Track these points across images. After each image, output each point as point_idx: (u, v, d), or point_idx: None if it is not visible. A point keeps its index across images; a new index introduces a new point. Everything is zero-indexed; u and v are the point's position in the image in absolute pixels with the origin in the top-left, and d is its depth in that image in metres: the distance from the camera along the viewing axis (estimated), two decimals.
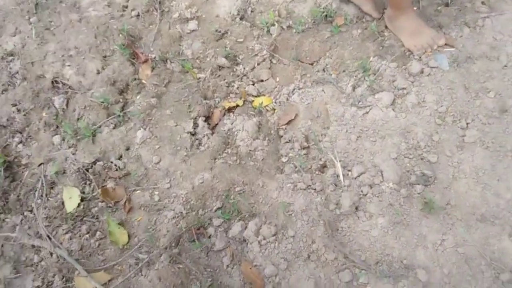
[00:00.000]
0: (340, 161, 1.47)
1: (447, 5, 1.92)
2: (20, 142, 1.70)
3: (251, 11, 1.93)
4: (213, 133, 1.56)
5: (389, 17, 1.73)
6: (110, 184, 1.53)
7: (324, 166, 1.46)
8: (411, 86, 1.67)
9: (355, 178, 1.42)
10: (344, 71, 1.76)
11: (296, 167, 1.43)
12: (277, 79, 1.78)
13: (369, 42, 1.83)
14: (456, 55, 1.74)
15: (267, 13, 1.88)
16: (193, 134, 1.54)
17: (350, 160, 1.48)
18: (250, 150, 1.49)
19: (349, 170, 1.45)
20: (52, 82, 1.76)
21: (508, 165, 1.43)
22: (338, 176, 1.41)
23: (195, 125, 1.56)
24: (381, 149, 1.49)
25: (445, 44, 1.78)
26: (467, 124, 1.54)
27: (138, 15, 1.88)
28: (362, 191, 1.41)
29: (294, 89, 1.72)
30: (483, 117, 1.55)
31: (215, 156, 1.46)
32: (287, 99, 1.71)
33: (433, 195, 1.37)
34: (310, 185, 1.43)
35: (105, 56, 1.82)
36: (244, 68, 1.79)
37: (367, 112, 1.61)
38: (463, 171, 1.43)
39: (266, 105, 1.69)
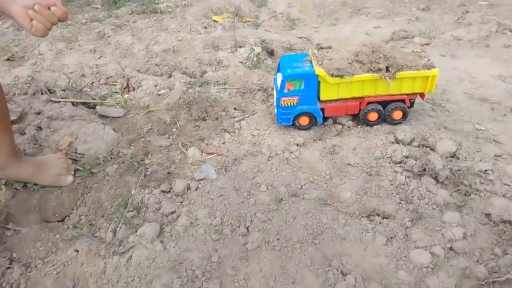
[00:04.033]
0: None
1: (204, 119, 1.90)
2: None
3: None
4: None
5: (1, 169, 1.43)
6: None
7: None
8: (180, 207, 1.45)
9: None
10: (102, 216, 1.44)
11: None
12: (13, 254, 1.34)
13: (129, 175, 1.60)
14: (222, 161, 1.64)
15: None
16: None
17: None
18: None
19: None
20: None
21: (299, 259, 1.23)
22: None
23: None
24: None
25: (208, 153, 1.68)
26: (247, 228, 1.34)
27: None
28: None
29: (34, 264, 1.30)
30: (261, 215, 1.38)
31: None
32: (28, 279, 1.26)
33: None
34: None
35: None
36: None
37: (130, 257, 1.27)
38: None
39: None
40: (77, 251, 1.34)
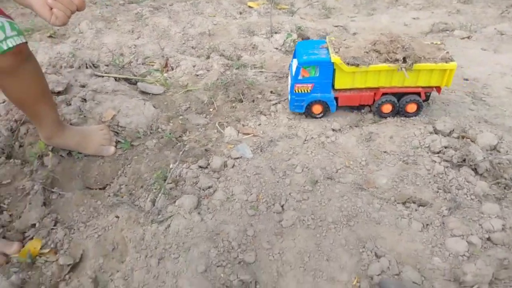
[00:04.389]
0: None
1: (241, 101, 1.93)
2: None
3: (20, 146, 1.62)
4: None
5: (48, 138, 1.53)
6: None
7: None
8: (217, 182, 1.49)
9: None
10: (142, 186, 1.50)
11: None
12: (58, 216, 1.42)
13: (167, 150, 1.66)
14: (258, 142, 1.67)
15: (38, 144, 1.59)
16: None
17: None
18: None
19: None
20: None
21: (333, 239, 1.25)
22: None
23: None
24: (186, 266, 1.17)
25: (244, 133, 1.71)
26: (282, 206, 1.37)
27: None
28: None
29: (76, 226, 1.37)
30: (296, 195, 1.40)
31: None
32: (70, 240, 1.33)
33: None
34: None
35: None
36: (10, 216, 1.39)
37: (169, 225, 1.32)
38: (287, 262, 1.19)
39: (42, 253, 1.28)
40: (117, 217, 1.40)
